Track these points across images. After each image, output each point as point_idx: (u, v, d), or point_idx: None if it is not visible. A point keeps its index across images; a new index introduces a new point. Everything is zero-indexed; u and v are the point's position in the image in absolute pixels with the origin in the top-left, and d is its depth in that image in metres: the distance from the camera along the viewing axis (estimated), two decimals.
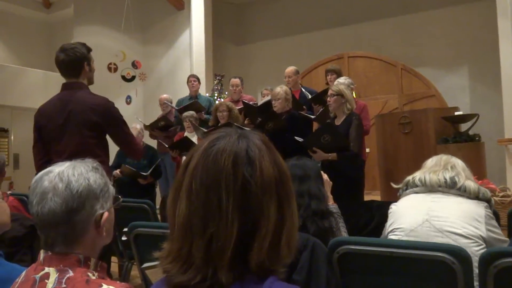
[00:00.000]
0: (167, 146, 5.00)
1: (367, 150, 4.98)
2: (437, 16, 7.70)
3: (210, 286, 0.79)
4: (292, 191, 0.87)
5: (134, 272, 3.44)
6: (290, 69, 5.24)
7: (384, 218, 2.18)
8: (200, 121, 5.33)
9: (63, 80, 2.83)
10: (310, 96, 4.88)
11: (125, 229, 2.46)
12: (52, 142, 2.77)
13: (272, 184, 0.82)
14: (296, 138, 3.84)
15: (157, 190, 5.72)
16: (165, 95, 6.42)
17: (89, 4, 8.64)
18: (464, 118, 5.37)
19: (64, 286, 1.07)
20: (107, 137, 2.86)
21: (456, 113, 5.40)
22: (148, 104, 8.49)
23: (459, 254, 1.57)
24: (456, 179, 1.99)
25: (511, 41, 5.60)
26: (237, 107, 5.05)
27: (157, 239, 1.90)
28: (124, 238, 3.03)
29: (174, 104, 6.18)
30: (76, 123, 2.70)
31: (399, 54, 7.80)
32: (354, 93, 4.79)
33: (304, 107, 4.81)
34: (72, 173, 1.15)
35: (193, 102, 5.62)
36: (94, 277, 1.11)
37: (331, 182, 2.25)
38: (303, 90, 5.13)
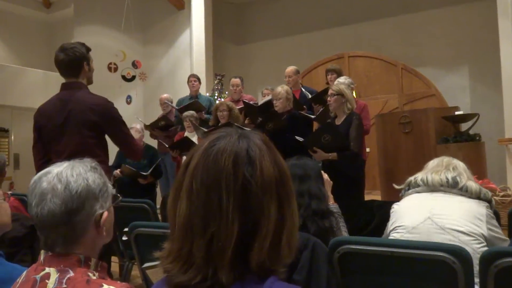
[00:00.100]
0: (167, 146, 5.00)
1: (367, 149, 4.98)
2: (438, 16, 7.69)
3: (211, 286, 0.79)
4: (292, 191, 0.87)
5: (135, 272, 3.44)
6: (290, 69, 5.23)
7: (384, 217, 2.19)
8: (200, 120, 5.33)
9: (63, 80, 2.83)
10: (310, 96, 4.88)
11: (126, 229, 2.46)
12: (51, 142, 2.77)
13: (273, 184, 0.82)
14: (297, 138, 3.84)
15: (158, 190, 5.72)
16: (165, 95, 6.42)
17: (89, 3, 8.64)
18: (465, 117, 5.37)
19: (65, 286, 1.07)
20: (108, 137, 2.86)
21: (457, 113, 5.40)
22: (149, 104, 8.49)
23: (460, 254, 1.57)
24: (458, 179, 2.01)
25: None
26: (238, 107, 5.05)
27: (157, 239, 1.90)
28: (124, 238, 3.03)
29: (174, 104, 6.18)
30: (75, 123, 2.70)
31: (400, 53, 7.80)
32: (354, 92, 4.79)
33: (304, 106, 4.81)
34: (70, 174, 1.14)
35: (193, 102, 5.62)
36: (94, 277, 1.11)
37: (331, 182, 2.25)
38: (303, 90, 5.12)
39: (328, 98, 3.92)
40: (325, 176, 2.17)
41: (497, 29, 5.80)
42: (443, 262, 1.58)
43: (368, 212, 2.82)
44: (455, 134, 5.26)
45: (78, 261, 1.13)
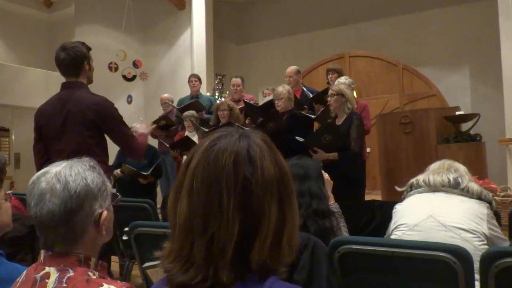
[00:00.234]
0: (167, 145, 5.00)
1: (368, 150, 4.97)
2: (438, 16, 7.69)
3: (211, 285, 0.79)
4: (293, 191, 0.87)
5: (135, 271, 3.44)
6: (291, 68, 5.23)
7: (385, 217, 2.19)
8: (201, 120, 5.33)
9: (63, 79, 2.83)
10: (311, 96, 4.88)
11: (126, 229, 2.46)
12: (52, 141, 2.77)
13: (273, 183, 0.82)
14: (297, 138, 3.84)
15: (158, 189, 5.72)
16: (166, 95, 6.42)
17: (90, 3, 8.64)
18: (465, 118, 5.37)
19: (65, 285, 1.07)
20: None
21: (457, 113, 5.39)
22: (149, 104, 8.49)
23: (460, 253, 1.57)
24: (460, 180, 2.04)
25: None
26: (238, 107, 5.04)
27: (158, 238, 1.90)
28: (125, 237, 3.03)
29: (175, 104, 6.18)
30: (74, 123, 2.70)
31: (400, 53, 7.80)
32: (355, 92, 4.79)
33: (305, 106, 4.80)
34: (69, 173, 1.14)
35: (193, 102, 5.62)
36: (94, 277, 1.11)
37: (332, 182, 2.25)
38: (305, 89, 5.12)
39: (328, 98, 3.92)
40: (326, 176, 2.17)
41: (498, 29, 5.80)
42: (443, 262, 1.58)
43: (368, 212, 2.82)
44: (455, 134, 5.26)
45: (78, 261, 1.12)
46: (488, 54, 6.94)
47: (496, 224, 1.97)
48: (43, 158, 2.80)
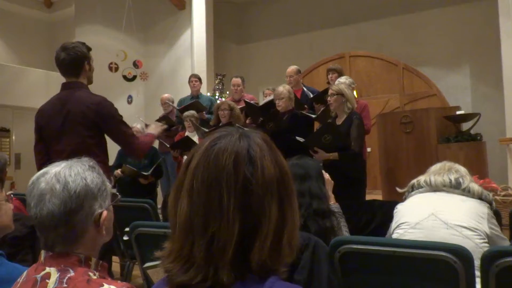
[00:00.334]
0: (168, 145, 5.00)
1: (368, 149, 4.98)
2: (439, 15, 7.68)
3: (212, 285, 0.79)
4: (293, 191, 0.87)
5: (136, 271, 3.44)
6: (292, 68, 5.23)
7: (385, 217, 2.20)
8: (201, 120, 5.33)
9: (64, 79, 2.83)
10: (312, 96, 4.88)
11: (127, 229, 2.46)
12: (52, 142, 2.77)
13: (273, 183, 0.82)
14: (297, 138, 3.83)
15: (159, 189, 5.72)
16: (166, 95, 6.42)
17: (90, 3, 8.64)
18: (466, 117, 5.37)
19: (65, 286, 1.07)
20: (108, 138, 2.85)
21: (458, 113, 5.39)
22: (150, 104, 8.49)
23: (461, 253, 1.57)
24: (461, 180, 2.05)
25: None
26: (239, 107, 5.04)
27: (158, 238, 1.90)
28: (125, 237, 3.03)
29: (175, 104, 6.18)
30: (73, 123, 2.70)
31: (401, 53, 7.79)
32: (355, 92, 4.79)
33: (305, 106, 4.80)
34: (68, 174, 1.14)
35: (194, 102, 5.62)
36: (95, 277, 1.11)
37: (332, 182, 2.25)
38: (305, 89, 5.12)
39: (328, 98, 3.92)
40: (326, 175, 2.17)
41: (498, 28, 5.79)
42: (444, 261, 1.58)
43: (369, 211, 2.82)
44: (456, 133, 5.26)
45: (78, 261, 1.12)
46: (488, 54, 6.94)
47: (496, 223, 1.99)
48: (44, 158, 2.81)
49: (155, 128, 3.21)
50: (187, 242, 0.81)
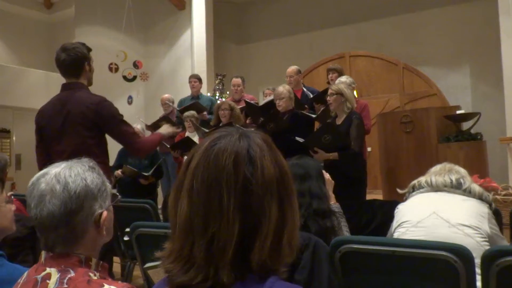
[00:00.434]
0: (168, 146, 5.00)
1: (369, 149, 4.97)
2: (439, 15, 7.68)
3: (212, 286, 0.79)
4: (293, 191, 0.87)
5: (137, 272, 3.44)
6: (292, 68, 5.23)
7: (386, 217, 2.20)
8: (201, 121, 5.33)
9: (64, 80, 2.83)
10: (312, 96, 4.88)
11: (127, 229, 2.46)
12: (52, 142, 2.77)
13: (273, 183, 0.82)
14: (297, 138, 3.83)
15: (159, 190, 5.72)
16: (166, 95, 6.42)
17: (90, 4, 8.64)
18: (466, 117, 5.36)
19: (66, 286, 1.07)
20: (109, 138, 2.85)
21: (458, 112, 5.38)
22: (150, 104, 8.49)
23: (462, 252, 1.57)
24: (462, 180, 2.07)
25: None
26: (239, 107, 5.04)
27: (159, 239, 1.90)
28: (126, 238, 3.04)
29: (176, 104, 6.18)
30: (73, 124, 2.69)
31: (401, 53, 7.79)
32: (355, 92, 4.78)
33: (306, 106, 4.80)
34: (68, 174, 1.14)
35: (194, 103, 5.62)
36: (95, 277, 1.11)
37: (333, 181, 2.25)
38: (305, 89, 5.12)
39: (328, 98, 3.92)
40: (327, 175, 2.17)
41: (498, 28, 5.79)
42: (444, 261, 1.58)
43: (369, 211, 2.82)
44: (456, 133, 5.25)
45: (79, 261, 1.13)
46: (488, 53, 6.94)
47: (496, 223, 2.01)
48: (46, 159, 2.81)
49: (166, 129, 3.19)
50: (187, 242, 0.81)
